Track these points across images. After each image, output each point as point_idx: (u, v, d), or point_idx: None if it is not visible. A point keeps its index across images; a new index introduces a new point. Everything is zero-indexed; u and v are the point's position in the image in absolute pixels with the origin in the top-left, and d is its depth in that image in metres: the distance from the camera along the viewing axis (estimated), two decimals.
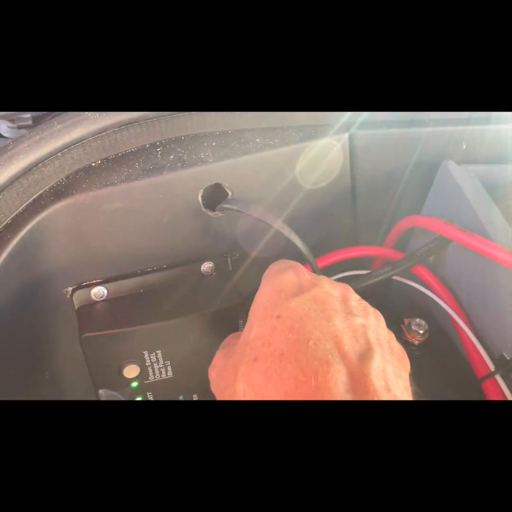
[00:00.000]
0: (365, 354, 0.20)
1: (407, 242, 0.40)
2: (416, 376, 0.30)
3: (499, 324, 0.29)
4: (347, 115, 0.33)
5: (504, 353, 0.28)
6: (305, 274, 0.24)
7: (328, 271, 0.37)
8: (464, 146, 0.36)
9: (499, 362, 0.28)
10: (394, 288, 0.40)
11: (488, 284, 0.30)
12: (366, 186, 0.37)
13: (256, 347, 0.21)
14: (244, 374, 0.20)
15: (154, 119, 0.29)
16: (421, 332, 0.32)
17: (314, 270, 0.34)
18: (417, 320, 0.33)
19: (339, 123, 0.33)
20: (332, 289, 0.23)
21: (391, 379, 0.19)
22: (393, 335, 0.24)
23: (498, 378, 0.28)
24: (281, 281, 0.24)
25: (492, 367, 0.28)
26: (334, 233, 0.39)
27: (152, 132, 0.29)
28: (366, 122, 0.34)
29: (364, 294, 0.41)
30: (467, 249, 0.30)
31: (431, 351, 0.32)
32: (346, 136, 0.33)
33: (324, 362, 0.19)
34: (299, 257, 0.35)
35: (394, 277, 0.36)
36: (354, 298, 0.24)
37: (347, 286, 0.25)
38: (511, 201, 0.35)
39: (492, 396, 0.27)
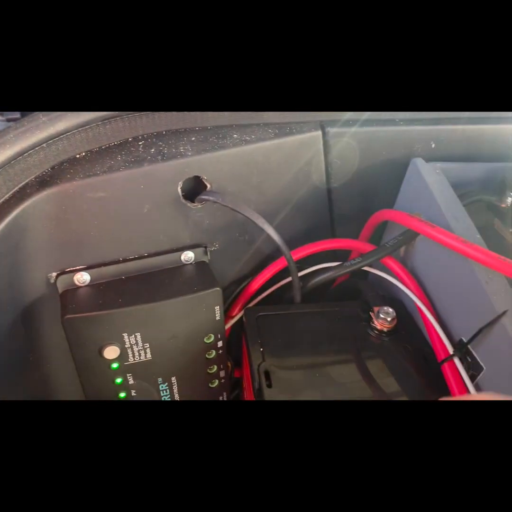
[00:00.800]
0: None
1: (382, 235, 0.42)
2: (385, 360, 0.32)
3: (459, 310, 0.31)
4: (321, 114, 0.35)
5: (463, 338, 0.30)
6: None
7: (303, 264, 0.39)
8: (433, 145, 0.38)
9: (458, 346, 0.30)
10: (369, 279, 0.42)
11: (450, 274, 0.32)
12: (340, 181, 0.38)
13: None
14: None
15: (136, 114, 0.30)
16: (389, 319, 0.34)
17: (289, 262, 0.35)
18: (385, 308, 0.34)
19: (313, 121, 0.35)
20: None
21: None
22: None
23: (456, 360, 0.29)
24: None
25: (452, 351, 0.30)
26: (311, 227, 0.41)
27: (134, 126, 0.31)
28: (340, 120, 0.36)
29: (340, 286, 0.43)
30: (431, 240, 0.31)
31: (399, 337, 0.34)
32: (320, 133, 0.35)
33: None
34: (276, 250, 0.36)
35: (367, 269, 0.38)
36: None
37: None
38: (476, 197, 0.37)
39: (450, 378, 0.29)
